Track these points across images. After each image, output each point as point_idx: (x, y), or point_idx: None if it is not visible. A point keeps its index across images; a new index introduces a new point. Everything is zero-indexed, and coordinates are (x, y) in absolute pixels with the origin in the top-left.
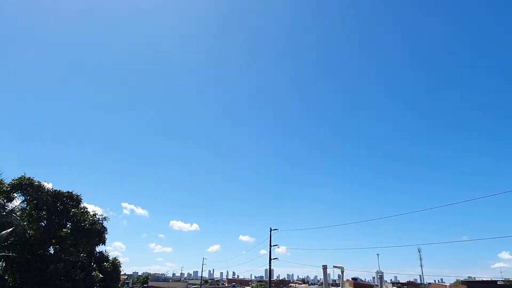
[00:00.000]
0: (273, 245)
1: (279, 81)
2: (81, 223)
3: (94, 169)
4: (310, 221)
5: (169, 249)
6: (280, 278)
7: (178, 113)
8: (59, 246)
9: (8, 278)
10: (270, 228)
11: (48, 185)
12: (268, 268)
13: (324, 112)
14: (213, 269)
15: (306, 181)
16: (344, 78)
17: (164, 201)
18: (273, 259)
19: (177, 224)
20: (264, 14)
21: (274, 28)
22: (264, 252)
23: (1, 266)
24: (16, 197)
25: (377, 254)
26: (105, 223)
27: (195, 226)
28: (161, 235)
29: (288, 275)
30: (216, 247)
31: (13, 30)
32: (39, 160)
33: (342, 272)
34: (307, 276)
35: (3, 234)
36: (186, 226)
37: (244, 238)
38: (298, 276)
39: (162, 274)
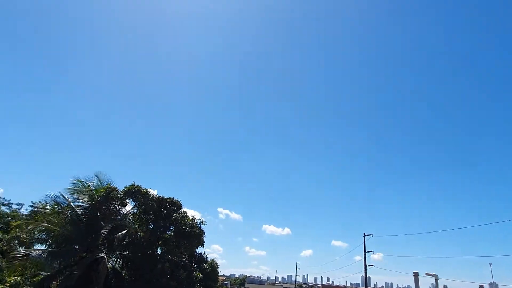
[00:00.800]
0: (368, 251)
1: (369, 80)
2: (182, 227)
3: (192, 176)
4: (410, 227)
5: (263, 253)
6: (378, 287)
7: (264, 117)
8: (165, 247)
9: (125, 274)
10: (364, 233)
11: (154, 192)
12: (364, 275)
13: (418, 112)
14: (307, 274)
15: (403, 183)
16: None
17: (256, 206)
18: (369, 266)
19: (269, 229)
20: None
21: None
22: (359, 258)
23: (119, 264)
24: (128, 202)
25: (490, 264)
26: (202, 227)
27: (287, 231)
28: (254, 239)
29: (386, 283)
30: (308, 252)
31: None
32: (144, 168)
33: (436, 280)
34: (408, 285)
35: (119, 235)
36: (278, 231)
37: (337, 243)
38: (397, 285)
39: (257, 276)
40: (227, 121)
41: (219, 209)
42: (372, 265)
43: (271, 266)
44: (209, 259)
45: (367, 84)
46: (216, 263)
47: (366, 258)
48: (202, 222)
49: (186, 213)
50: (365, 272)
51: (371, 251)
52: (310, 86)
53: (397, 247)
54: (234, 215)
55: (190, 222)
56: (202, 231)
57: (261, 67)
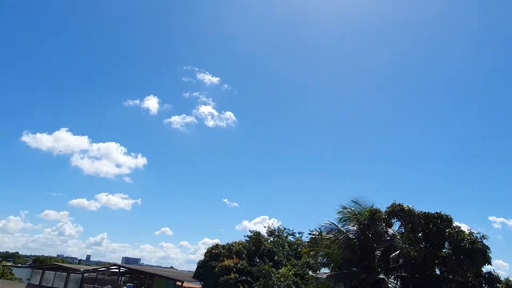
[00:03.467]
0: None
1: None
2: (460, 243)
3: (448, 183)
4: None
5: None
6: None
7: None
8: (443, 267)
9: None
10: None
11: (410, 207)
12: None
13: None
14: None
15: None
16: None
17: None
18: None
19: None
20: None
21: None
22: None
23: (399, 285)
24: (393, 222)
25: None
26: (485, 241)
27: None
28: None
29: None
30: None
31: None
32: (395, 184)
33: None
34: None
35: (393, 256)
36: None
37: None
38: None
39: None
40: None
41: (491, 218)
42: None
43: None
44: (502, 278)
45: None
46: None
47: None
48: (483, 236)
49: (460, 227)
50: None
51: None
52: None
53: None
54: None
55: (468, 237)
56: (486, 246)
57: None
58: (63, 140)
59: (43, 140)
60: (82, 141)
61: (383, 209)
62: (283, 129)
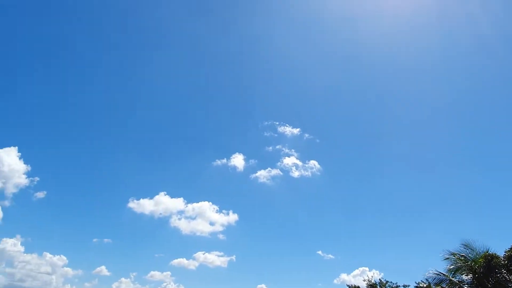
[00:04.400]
0: None
1: None
2: None
3: None
4: None
5: None
6: None
7: None
8: None
9: None
10: None
11: None
12: None
13: None
14: None
15: None
16: None
17: None
18: None
19: None
20: None
21: None
22: None
23: None
24: None
25: None
26: None
27: None
28: None
29: None
30: None
31: None
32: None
33: None
34: None
35: None
36: None
37: None
38: None
39: None
40: None
41: None
42: None
43: None
44: None
45: None
46: None
47: None
48: None
49: None
50: None
51: None
52: None
53: None
54: None
55: None
56: None
57: None
58: (162, 203)
59: (145, 205)
60: (178, 203)
61: (500, 253)
62: (371, 171)
